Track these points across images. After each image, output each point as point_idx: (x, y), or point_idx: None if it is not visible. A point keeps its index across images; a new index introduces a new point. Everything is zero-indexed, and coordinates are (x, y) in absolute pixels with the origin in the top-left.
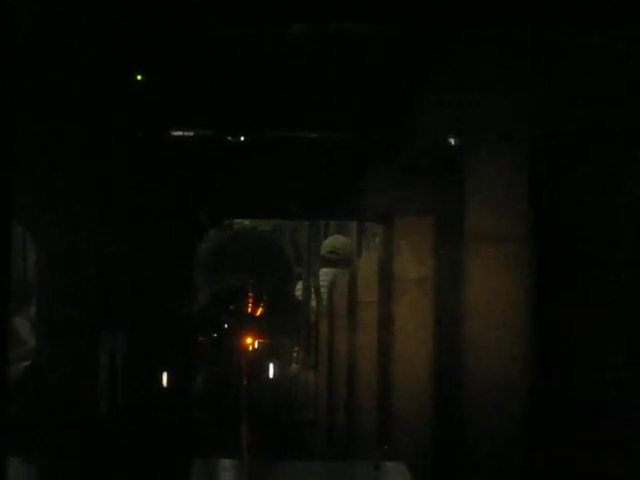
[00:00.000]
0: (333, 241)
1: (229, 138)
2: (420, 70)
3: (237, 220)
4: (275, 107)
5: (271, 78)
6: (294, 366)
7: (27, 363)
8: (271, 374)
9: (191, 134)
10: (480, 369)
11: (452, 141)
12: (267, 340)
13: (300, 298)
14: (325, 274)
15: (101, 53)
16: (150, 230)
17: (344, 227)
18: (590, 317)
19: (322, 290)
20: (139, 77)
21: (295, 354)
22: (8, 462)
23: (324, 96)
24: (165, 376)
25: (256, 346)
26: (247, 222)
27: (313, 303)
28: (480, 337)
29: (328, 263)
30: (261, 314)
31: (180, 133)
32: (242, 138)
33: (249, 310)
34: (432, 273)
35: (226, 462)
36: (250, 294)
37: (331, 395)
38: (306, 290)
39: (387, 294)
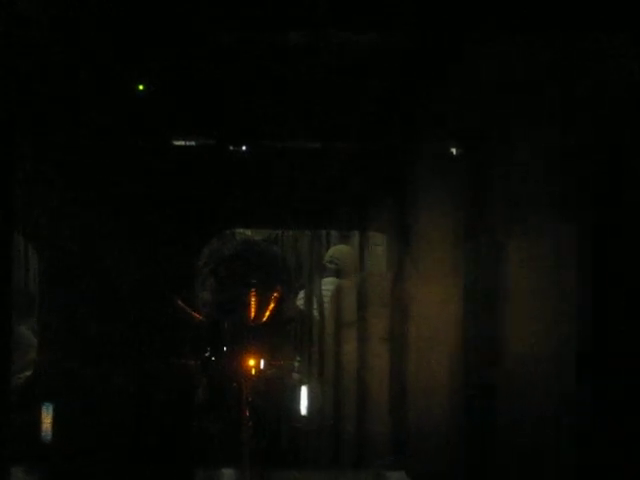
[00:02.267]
0: (333, 251)
1: (231, 147)
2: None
3: (238, 230)
4: (276, 116)
5: (271, 87)
6: (295, 376)
7: (29, 373)
8: (304, 408)
9: (193, 143)
10: None
11: None
12: (274, 358)
13: (302, 308)
14: (327, 284)
15: (101, 62)
16: (150, 240)
17: (347, 237)
18: None
19: (324, 299)
20: (141, 87)
21: (296, 364)
22: (10, 470)
23: (325, 105)
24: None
25: (262, 366)
26: (248, 232)
27: (314, 313)
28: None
29: (330, 273)
30: (265, 322)
31: (182, 142)
32: (244, 147)
33: (252, 318)
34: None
35: (227, 472)
36: (253, 303)
37: (330, 404)
38: (308, 300)
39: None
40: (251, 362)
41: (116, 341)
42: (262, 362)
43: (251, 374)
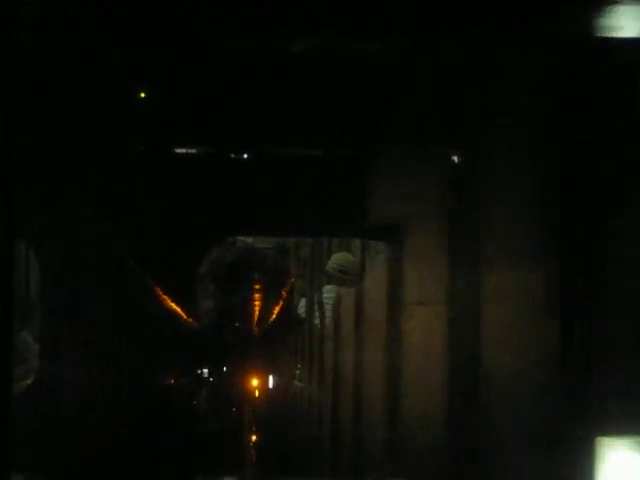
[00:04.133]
0: (341, 259)
1: (232, 155)
2: None
3: (240, 237)
4: (277, 124)
5: (273, 95)
6: (297, 383)
7: (29, 381)
8: None
9: (194, 151)
10: None
11: None
12: (277, 370)
13: (303, 315)
14: (328, 291)
15: (104, 70)
16: (153, 247)
17: (347, 244)
18: None
19: (326, 307)
20: (142, 94)
21: (298, 371)
22: (11, 477)
23: (326, 113)
24: None
25: (270, 385)
26: (250, 239)
27: (316, 320)
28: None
29: (332, 280)
30: (268, 331)
31: (183, 150)
32: (245, 155)
33: (257, 323)
34: None
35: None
36: (257, 308)
37: (333, 411)
38: (309, 306)
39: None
40: (254, 382)
41: (112, 354)
42: (270, 379)
43: (254, 396)
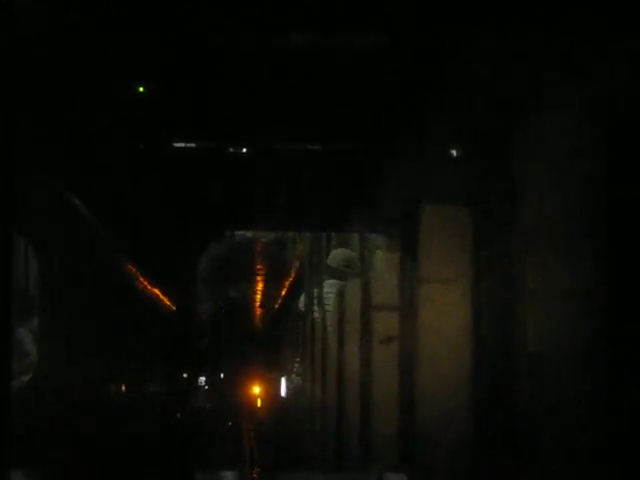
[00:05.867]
0: (344, 254)
1: (231, 150)
2: None
3: (239, 232)
4: (276, 119)
5: (272, 90)
6: (295, 378)
7: (30, 375)
8: None
9: (193, 145)
10: None
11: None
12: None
13: (303, 309)
14: (329, 285)
15: (102, 66)
16: (153, 242)
17: (345, 239)
18: None
19: (327, 302)
20: (141, 89)
21: (297, 365)
22: (11, 473)
23: (325, 108)
24: None
25: (283, 393)
26: (250, 234)
27: (316, 315)
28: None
29: (334, 275)
30: (269, 326)
31: (182, 145)
32: (244, 150)
33: (256, 322)
34: None
35: (228, 474)
36: (257, 304)
37: (330, 407)
38: (309, 301)
39: None
40: (256, 390)
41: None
42: (283, 382)
43: (256, 406)
